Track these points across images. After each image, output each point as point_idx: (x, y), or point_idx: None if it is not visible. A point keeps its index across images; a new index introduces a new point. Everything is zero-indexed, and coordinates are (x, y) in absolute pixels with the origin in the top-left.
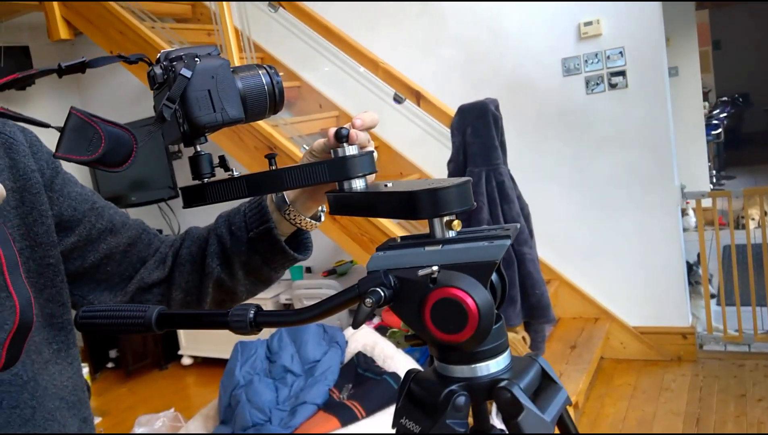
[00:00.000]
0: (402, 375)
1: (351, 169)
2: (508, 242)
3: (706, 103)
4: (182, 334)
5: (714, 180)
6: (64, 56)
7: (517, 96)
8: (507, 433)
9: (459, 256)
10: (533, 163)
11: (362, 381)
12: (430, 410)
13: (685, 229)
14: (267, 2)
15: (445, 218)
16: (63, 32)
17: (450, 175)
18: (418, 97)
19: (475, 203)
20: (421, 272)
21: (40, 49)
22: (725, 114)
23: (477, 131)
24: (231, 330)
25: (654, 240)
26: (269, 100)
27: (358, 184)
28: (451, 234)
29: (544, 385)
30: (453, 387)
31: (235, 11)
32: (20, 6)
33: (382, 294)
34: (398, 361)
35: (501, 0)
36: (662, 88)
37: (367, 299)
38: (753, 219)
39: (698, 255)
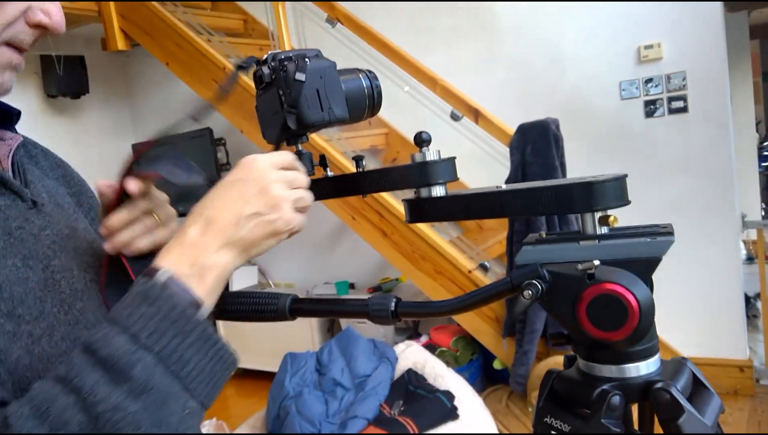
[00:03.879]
0: (454, 393)
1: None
2: (673, 239)
3: (758, 135)
4: None
5: (763, 212)
6: (119, 67)
7: (575, 119)
8: None
9: (619, 252)
10: None
11: (414, 398)
12: (577, 410)
13: None
14: (325, 19)
15: (599, 214)
16: (120, 43)
17: None
18: (477, 115)
19: (630, 200)
20: (580, 266)
21: (94, 59)
22: None
23: (537, 150)
24: (370, 319)
25: (712, 269)
26: (368, 103)
27: (438, 191)
28: (604, 230)
29: (697, 390)
30: (605, 386)
31: (292, 26)
32: (78, 17)
33: (540, 287)
34: (450, 380)
35: (560, 19)
36: (725, 113)
37: (526, 291)
38: None
39: (759, 288)
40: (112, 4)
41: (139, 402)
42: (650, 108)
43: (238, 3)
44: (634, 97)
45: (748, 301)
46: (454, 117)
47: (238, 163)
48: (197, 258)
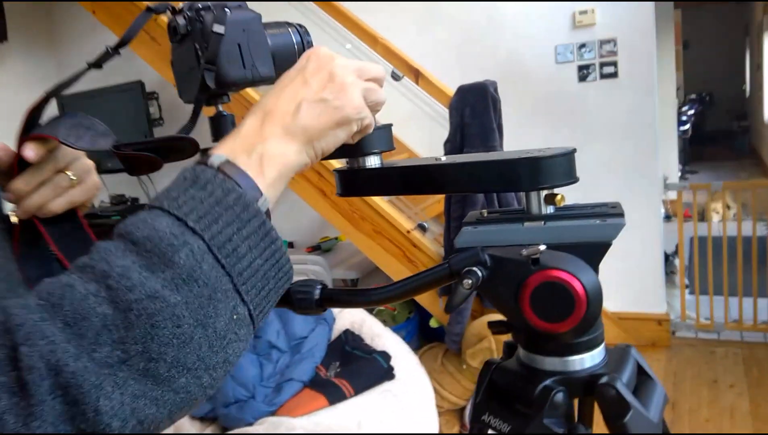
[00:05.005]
0: (391, 353)
1: (372, 143)
2: (624, 221)
3: (677, 100)
4: None
5: (680, 174)
6: (42, 14)
7: (512, 81)
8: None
9: (567, 235)
10: (524, 148)
11: (350, 359)
12: (518, 406)
13: None
14: None
15: (545, 192)
16: None
17: (446, 154)
18: (417, 76)
19: (578, 177)
20: (525, 251)
21: (15, 6)
22: (693, 111)
23: (476, 112)
24: (293, 309)
25: (635, 228)
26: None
27: (373, 161)
28: (551, 209)
29: (642, 381)
30: (548, 382)
31: None
32: None
33: (480, 274)
34: (387, 340)
35: None
36: (650, 79)
37: (466, 280)
38: (717, 212)
39: (676, 246)
40: None
41: (182, 293)
42: (583, 72)
43: None
44: (569, 61)
45: (667, 258)
46: (395, 77)
47: (302, 56)
48: (255, 146)
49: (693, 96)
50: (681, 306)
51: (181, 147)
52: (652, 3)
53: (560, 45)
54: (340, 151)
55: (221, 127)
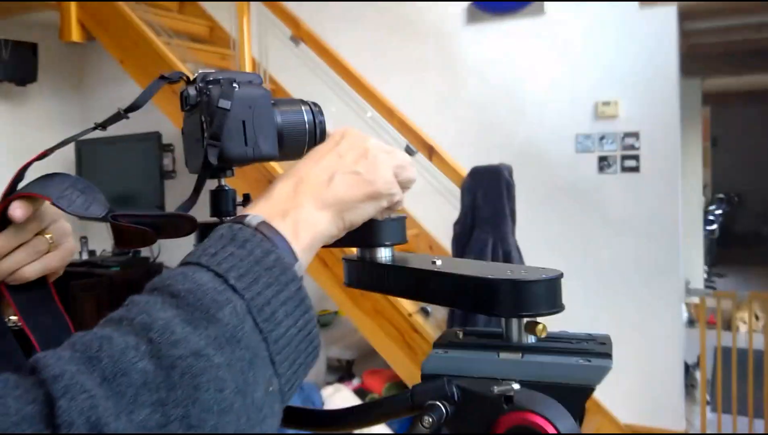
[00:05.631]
0: None
1: (382, 235)
2: (610, 364)
3: (704, 199)
4: None
5: (706, 276)
6: (73, 58)
7: (529, 166)
8: None
9: (545, 373)
10: (539, 237)
11: None
12: None
13: None
14: (289, 36)
15: (526, 320)
16: (76, 35)
17: (455, 237)
18: (431, 152)
19: (564, 305)
20: (497, 389)
21: (48, 49)
22: (721, 211)
23: (488, 196)
24: None
25: (653, 334)
26: (308, 139)
27: (384, 254)
28: (531, 339)
29: None
30: None
31: (255, 40)
32: (35, 4)
33: (444, 411)
34: (376, 432)
35: (525, 67)
36: (675, 176)
37: (426, 417)
38: (744, 322)
39: (698, 356)
40: None
41: (225, 354)
42: (604, 163)
43: (206, 10)
44: (589, 151)
45: (687, 369)
46: (409, 151)
47: (332, 133)
48: (289, 211)
49: (721, 195)
50: (701, 424)
51: (178, 224)
52: (678, 98)
53: (581, 134)
54: (351, 239)
55: (222, 202)
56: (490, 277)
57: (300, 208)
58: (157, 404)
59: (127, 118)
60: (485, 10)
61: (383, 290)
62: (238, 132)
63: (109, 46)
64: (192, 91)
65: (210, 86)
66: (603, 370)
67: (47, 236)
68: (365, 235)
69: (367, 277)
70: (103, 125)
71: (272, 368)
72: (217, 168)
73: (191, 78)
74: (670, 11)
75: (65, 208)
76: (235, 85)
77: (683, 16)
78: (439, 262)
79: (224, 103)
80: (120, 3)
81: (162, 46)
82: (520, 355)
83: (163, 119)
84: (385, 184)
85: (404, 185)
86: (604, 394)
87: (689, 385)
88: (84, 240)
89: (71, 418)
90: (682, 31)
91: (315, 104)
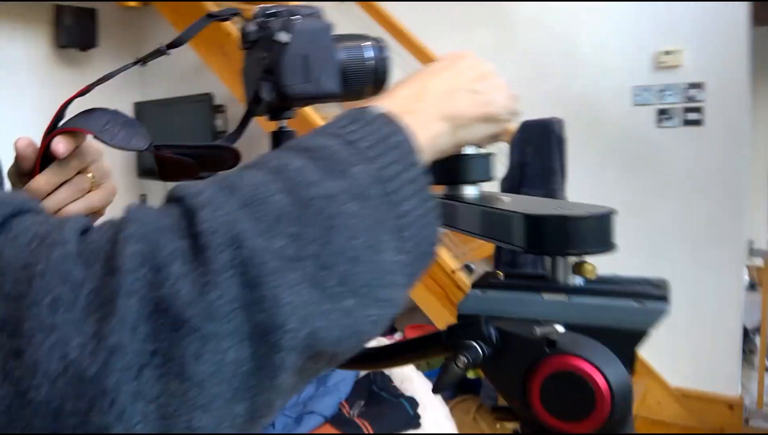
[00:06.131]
0: (419, 399)
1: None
2: (668, 307)
3: None
4: None
5: None
6: (130, 22)
7: (582, 120)
8: None
9: (593, 316)
10: (592, 194)
11: (376, 400)
12: None
13: None
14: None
15: (574, 259)
16: None
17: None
18: None
19: (616, 244)
20: (539, 330)
21: (107, 13)
22: None
23: (539, 151)
24: None
25: (712, 297)
26: (371, 78)
27: (471, 191)
28: (578, 281)
29: None
30: None
31: None
32: None
33: (480, 352)
34: (417, 385)
35: (578, 15)
36: (743, 131)
37: (461, 357)
38: None
39: (759, 321)
40: None
41: (357, 206)
42: (663, 117)
43: None
44: (648, 103)
45: (746, 334)
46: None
47: (446, 54)
48: (411, 112)
49: None
50: (759, 391)
51: (222, 156)
52: (748, 47)
53: (639, 86)
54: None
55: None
56: (535, 212)
57: (420, 113)
58: (293, 237)
59: (168, 54)
60: None
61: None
62: (297, 67)
63: (164, 9)
64: (252, 26)
65: (269, 19)
66: (658, 313)
67: (89, 175)
68: (454, 170)
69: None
70: (143, 60)
71: (398, 241)
72: (278, 107)
73: (241, 13)
74: None
75: (108, 142)
76: (296, 17)
77: None
78: (507, 199)
79: (282, 37)
80: None
81: (213, 6)
82: (566, 296)
83: (215, 82)
84: (503, 107)
85: (512, 115)
86: (657, 356)
87: (747, 350)
88: (143, 197)
89: (213, 227)
90: None
91: (379, 39)
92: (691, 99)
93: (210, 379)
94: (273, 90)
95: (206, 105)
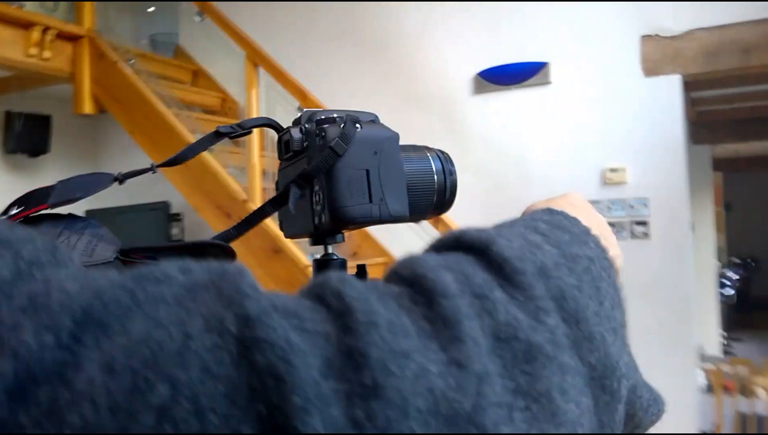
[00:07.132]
0: None
1: None
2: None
3: (719, 263)
4: None
5: (725, 341)
6: (84, 129)
7: None
8: None
9: None
10: None
11: None
12: None
13: None
14: (297, 107)
15: None
16: (88, 107)
17: None
18: (437, 220)
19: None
20: None
21: (60, 121)
22: (738, 276)
23: None
24: None
25: (666, 401)
26: (437, 197)
27: None
28: None
29: None
30: None
31: (263, 110)
32: (50, 77)
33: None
34: None
35: (530, 134)
36: (685, 243)
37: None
38: (765, 389)
39: (715, 425)
40: (86, 68)
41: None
42: (612, 230)
43: (218, 82)
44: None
45: None
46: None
47: (566, 194)
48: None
49: (737, 260)
50: None
51: (212, 256)
52: (685, 164)
53: (589, 201)
54: None
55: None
56: None
57: (612, 236)
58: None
59: (154, 172)
60: (492, 81)
61: None
62: (360, 184)
63: (120, 118)
64: (296, 133)
65: (325, 126)
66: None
67: None
68: None
69: None
70: (125, 177)
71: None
72: (324, 232)
73: (243, 128)
74: (675, 80)
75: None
76: (357, 125)
77: (689, 85)
78: None
79: (342, 148)
80: (133, 77)
81: (171, 116)
82: None
83: (172, 189)
84: (619, 256)
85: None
86: None
87: None
88: None
89: (519, 254)
90: (690, 99)
91: (443, 152)
92: (636, 213)
93: (578, 424)
94: (323, 211)
95: (162, 213)
